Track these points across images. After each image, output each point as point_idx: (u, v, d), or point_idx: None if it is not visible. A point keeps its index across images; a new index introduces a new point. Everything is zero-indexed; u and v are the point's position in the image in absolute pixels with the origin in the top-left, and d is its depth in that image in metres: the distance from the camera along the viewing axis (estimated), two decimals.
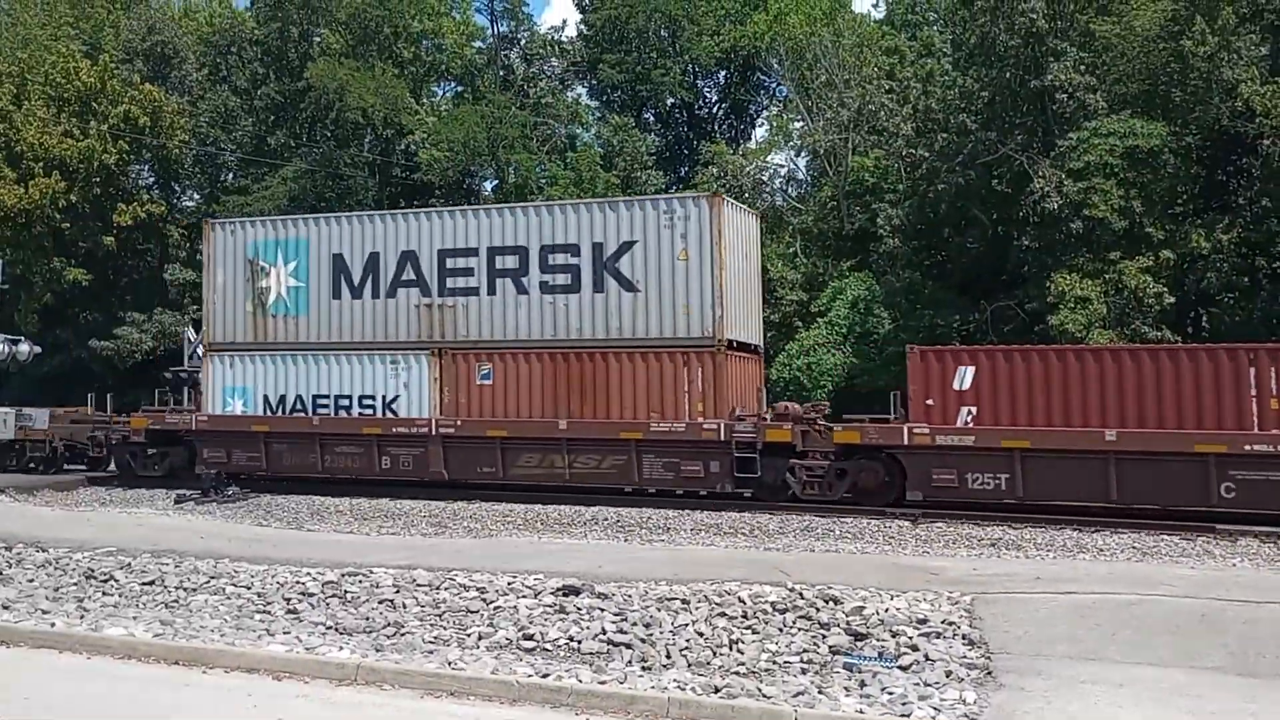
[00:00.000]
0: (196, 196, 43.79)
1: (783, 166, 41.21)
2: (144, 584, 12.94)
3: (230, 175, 43.42)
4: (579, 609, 11.25)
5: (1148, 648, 9.60)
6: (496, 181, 39.57)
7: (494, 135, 37.93)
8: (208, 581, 13.02)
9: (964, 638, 10.00)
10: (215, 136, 41.77)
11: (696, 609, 11.06)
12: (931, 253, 32.03)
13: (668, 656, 10.11)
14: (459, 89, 45.24)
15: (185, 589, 12.78)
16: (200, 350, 25.11)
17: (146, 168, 41.59)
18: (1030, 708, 8.45)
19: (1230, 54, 26.83)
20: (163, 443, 24.28)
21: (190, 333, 27.14)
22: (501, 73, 43.84)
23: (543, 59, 44.72)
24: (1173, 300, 27.12)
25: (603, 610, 11.14)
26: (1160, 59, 28.08)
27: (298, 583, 12.64)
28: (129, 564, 13.82)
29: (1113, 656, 9.43)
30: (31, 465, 25.83)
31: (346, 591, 12.26)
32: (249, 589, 12.61)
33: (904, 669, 9.46)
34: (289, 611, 11.82)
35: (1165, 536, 15.97)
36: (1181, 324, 28.54)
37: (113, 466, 25.18)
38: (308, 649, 10.48)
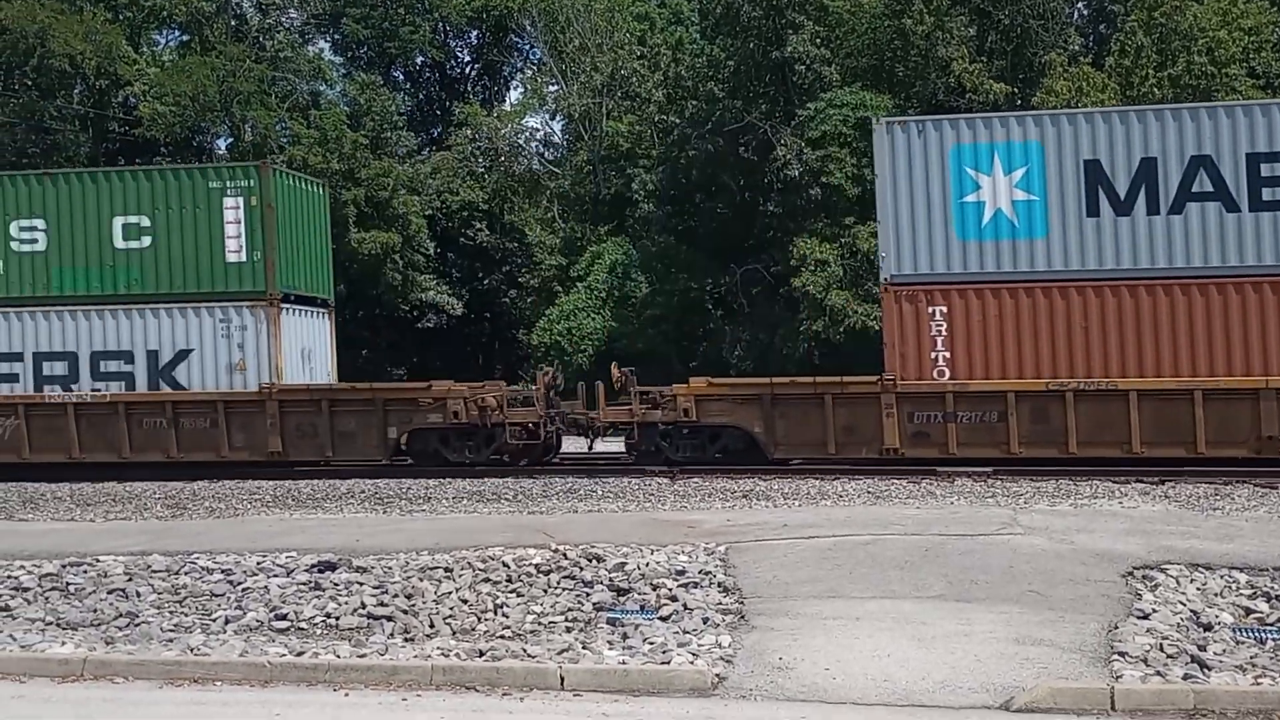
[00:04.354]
0: None
1: (538, 130, 41.08)
2: None
3: None
4: (336, 585, 10.82)
5: (881, 583, 10.38)
6: (232, 139, 36.99)
7: (226, 89, 35.33)
8: None
9: (719, 585, 10.43)
10: None
11: (460, 576, 10.91)
12: (684, 217, 33.00)
13: (431, 626, 9.93)
14: (184, 38, 41.78)
15: None
16: None
17: None
18: (778, 645, 8.94)
19: (944, 33, 29.16)
20: None
21: None
22: (233, 23, 40.86)
23: (280, 9, 42.09)
24: None
25: (361, 584, 10.78)
26: (885, 35, 30.11)
27: (9, 576, 11.41)
28: None
29: (851, 593, 10.13)
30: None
31: (69, 583, 11.20)
32: None
33: (664, 619, 9.75)
34: None
35: (895, 481, 17.21)
36: None
37: None
38: (23, 647, 9.53)
